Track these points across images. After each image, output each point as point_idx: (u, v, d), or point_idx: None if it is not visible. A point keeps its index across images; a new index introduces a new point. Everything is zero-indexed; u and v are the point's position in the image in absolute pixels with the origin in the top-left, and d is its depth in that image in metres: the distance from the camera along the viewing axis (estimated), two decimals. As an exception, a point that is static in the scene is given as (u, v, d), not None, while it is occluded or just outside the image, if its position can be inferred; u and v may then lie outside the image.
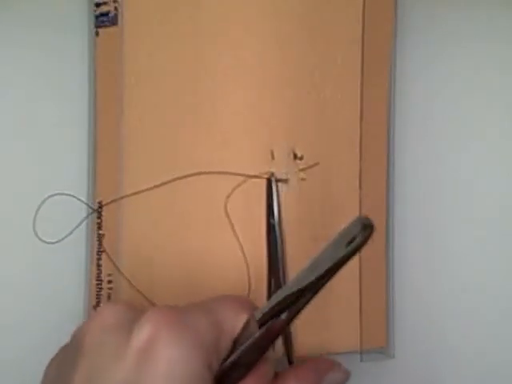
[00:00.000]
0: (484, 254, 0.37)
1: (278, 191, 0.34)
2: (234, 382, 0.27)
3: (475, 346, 0.37)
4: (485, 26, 0.37)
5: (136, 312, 0.28)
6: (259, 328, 0.27)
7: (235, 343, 0.28)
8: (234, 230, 0.35)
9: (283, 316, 0.27)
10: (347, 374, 0.31)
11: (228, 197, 0.35)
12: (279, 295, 0.27)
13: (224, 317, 0.28)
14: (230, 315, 0.28)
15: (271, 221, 0.34)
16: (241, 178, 0.35)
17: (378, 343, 0.36)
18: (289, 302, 0.26)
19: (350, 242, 0.25)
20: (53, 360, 0.30)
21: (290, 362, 0.34)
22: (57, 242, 0.35)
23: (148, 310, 0.27)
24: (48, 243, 0.35)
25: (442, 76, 0.37)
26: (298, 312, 0.27)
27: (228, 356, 0.27)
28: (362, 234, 0.25)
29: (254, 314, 0.28)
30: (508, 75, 0.37)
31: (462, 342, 0.37)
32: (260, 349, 0.27)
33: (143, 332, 0.26)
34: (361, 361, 0.35)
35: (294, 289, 0.26)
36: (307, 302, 0.26)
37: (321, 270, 0.25)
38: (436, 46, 0.37)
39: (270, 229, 0.34)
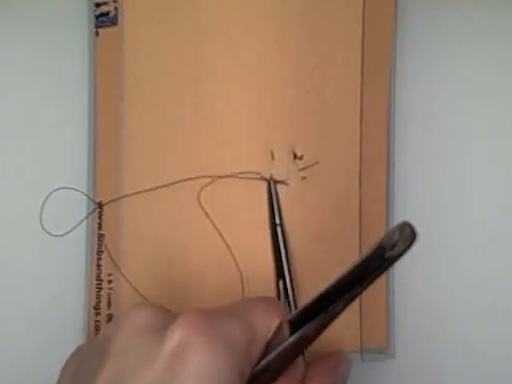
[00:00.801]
0: (484, 254, 0.37)
1: (277, 192, 0.34)
2: None
3: (476, 346, 0.37)
4: (485, 26, 0.37)
5: (168, 316, 0.27)
6: (291, 331, 0.27)
7: (267, 346, 0.27)
8: (220, 232, 0.35)
9: (316, 321, 0.26)
10: (350, 362, 0.32)
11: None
12: (312, 300, 0.27)
13: (257, 320, 0.27)
14: (264, 319, 0.27)
15: (273, 222, 0.34)
16: (240, 179, 0.35)
17: (378, 343, 0.36)
18: (322, 306, 0.26)
19: (393, 248, 0.24)
20: (72, 356, 0.29)
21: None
22: (58, 237, 0.35)
23: (181, 314, 0.26)
24: (49, 242, 0.35)
25: (442, 76, 0.37)
26: (332, 318, 0.26)
27: (260, 359, 0.27)
28: (404, 242, 0.24)
29: (288, 318, 0.27)
30: (508, 75, 0.37)
31: (463, 342, 0.37)
32: (292, 354, 0.27)
33: (175, 336, 0.25)
34: (361, 361, 0.35)
35: (328, 295, 0.26)
36: (343, 308, 0.26)
37: (357, 277, 0.25)
38: (436, 46, 0.37)
39: (274, 230, 0.34)
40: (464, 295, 0.37)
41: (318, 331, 0.27)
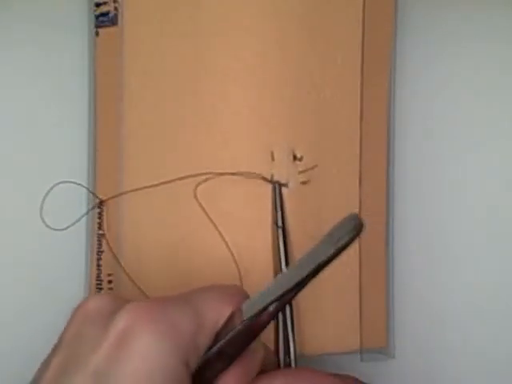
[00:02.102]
0: (484, 254, 0.37)
1: (281, 194, 0.35)
2: (216, 373, 0.27)
3: (475, 346, 0.37)
4: (485, 26, 0.37)
5: (119, 304, 0.27)
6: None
7: (218, 336, 0.27)
8: (220, 233, 0.35)
9: (268, 310, 0.26)
10: None
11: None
12: (268, 289, 0.27)
13: (207, 311, 0.27)
14: (214, 309, 0.27)
15: (275, 223, 0.34)
16: (240, 179, 0.35)
17: (378, 343, 0.36)
18: (276, 296, 0.26)
19: (339, 240, 0.25)
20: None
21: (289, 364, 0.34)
22: (58, 236, 0.35)
23: (130, 301, 0.27)
24: (49, 242, 0.35)
25: (442, 76, 0.37)
26: (283, 306, 0.27)
27: (209, 349, 0.27)
28: (349, 233, 0.25)
29: (242, 307, 0.27)
30: (508, 75, 0.37)
31: (462, 342, 0.37)
32: (242, 342, 0.27)
33: (120, 323, 0.26)
34: (361, 361, 0.35)
35: (283, 284, 0.26)
36: (293, 297, 0.26)
37: (309, 268, 0.26)
38: (436, 46, 0.37)
39: (276, 232, 0.34)
40: (464, 295, 0.37)
41: (268, 319, 0.27)
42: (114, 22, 0.35)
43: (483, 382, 0.37)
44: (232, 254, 0.34)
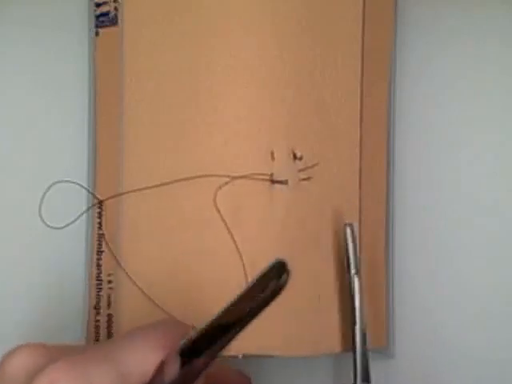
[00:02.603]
0: (484, 255, 0.37)
1: (354, 236, 0.34)
2: None
3: (475, 346, 0.37)
4: (485, 26, 0.37)
5: (43, 363, 0.25)
6: (180, 362, 0.25)
7: None
8: (230, 230, 0.35)
9: (203, 356, 0.25)
10: None
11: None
12: (201, 330, 0.25)
13: (131, 365, 0.25)
14: (138, 361, 0.25)
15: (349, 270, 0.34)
16: (244, 180, 0.35)
17: (378, 343, 0.36)
18: (211, 339, 0.25)
19: (263, 290, 0.24)
20: None
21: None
22: (58, 236, 0.35)
23: (50, 363, 0.25)
24: (49, 243, 0.35)
25: (442, 76, 0.37)
26: (219, 350, 0.25)
27: None
28: (276, 281, 0.23)
29: (180, 345, 0.25)
30: (508, 75, 0.37)
31: (462, 342, 0.37)
32: None
33: None
34: (361, 361, 0.35)
35: (217, 327, 0.25)
36: (229, 340, 0.25)
37: (241, 314, 0.24)
38: (436, 46, 0.37)
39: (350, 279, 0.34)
40: (463, 296, 0.37)
41: (204, 365, 0.25)
42: (114, 22, 0.35)
43: (482, 382, 0.37)
44: (239, 253, 0.34)
